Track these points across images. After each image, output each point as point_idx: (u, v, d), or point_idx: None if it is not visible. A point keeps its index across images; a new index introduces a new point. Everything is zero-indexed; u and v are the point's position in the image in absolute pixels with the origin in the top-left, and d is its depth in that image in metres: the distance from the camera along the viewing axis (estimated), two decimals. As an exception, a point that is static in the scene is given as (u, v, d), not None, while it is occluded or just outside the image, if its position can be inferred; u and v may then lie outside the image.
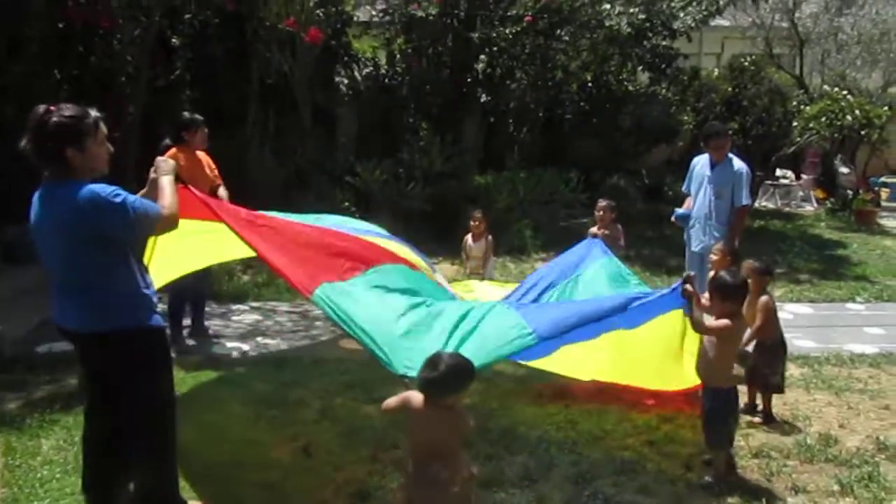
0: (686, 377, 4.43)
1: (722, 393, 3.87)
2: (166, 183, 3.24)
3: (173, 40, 9.63)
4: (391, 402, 3.08)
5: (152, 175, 3.34)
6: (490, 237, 6.89)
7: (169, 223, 3.14)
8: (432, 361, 2.94)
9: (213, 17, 9.72)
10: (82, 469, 3.36)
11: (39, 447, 4.14)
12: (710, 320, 3.88)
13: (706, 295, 4.12)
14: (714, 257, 5.22)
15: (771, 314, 4.64)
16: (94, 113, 3.02)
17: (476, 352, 3.29)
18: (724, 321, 3.81)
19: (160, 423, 3.21)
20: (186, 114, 5.99)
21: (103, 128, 3.06)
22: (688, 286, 3.86)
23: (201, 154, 5.86)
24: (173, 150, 5.56)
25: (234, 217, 3.92)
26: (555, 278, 5.28)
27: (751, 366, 4.59)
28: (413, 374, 3.11)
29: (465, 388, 2.96)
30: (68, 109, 2.94)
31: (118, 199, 2.90)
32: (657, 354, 4.51)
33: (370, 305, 3.70)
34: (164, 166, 3.34)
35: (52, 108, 2.92)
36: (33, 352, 5.72)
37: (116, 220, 2.92)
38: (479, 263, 6.82)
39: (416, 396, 3.01)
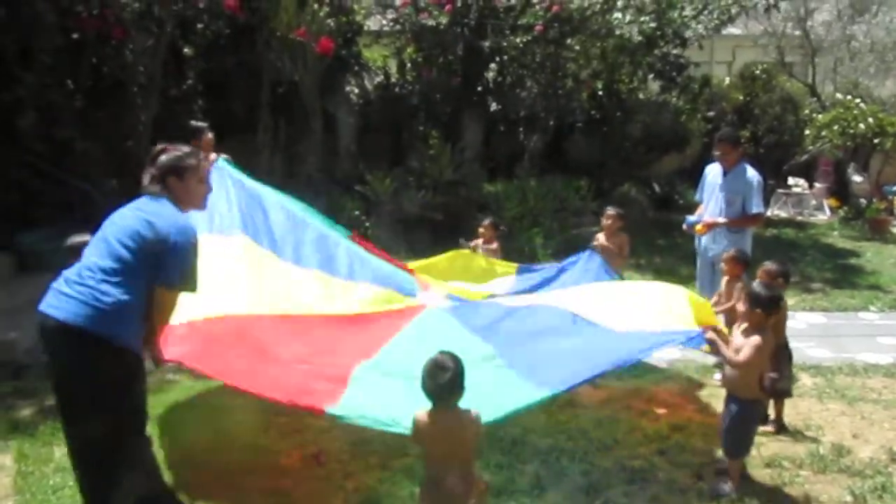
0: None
1: (746, 404, 3.85)
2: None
3: (185, 51, 9.71)
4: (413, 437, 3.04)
5: None
6: (496, 244, 6.88)
7: (171, 309, 3.25)
8: (438, 367, 2.92)
9: (224, 27, 9.80)
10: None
11: (52, 454, 4.17)
12: (743, 349, 3.78)
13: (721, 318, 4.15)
14: (724, 266, 5.24)
15: (781, 316, 4.61)
16: (200, 156, 3.47)
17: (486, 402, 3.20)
18: (755, 340, 3.75)
19: (126, 431, 3.14)
20: (192, 122, 6.37)
21: (203, 168, 3.43)
22: (711, 335, 3.84)
23: (214, 157, 5.96)
24: None
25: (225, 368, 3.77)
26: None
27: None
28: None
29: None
30: (178, 149, 3.39)
31: (193, 246, 3.18)
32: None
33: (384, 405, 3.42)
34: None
35: (167, 147, 3.38)
36: (46, 360, 5.75)
37: (175, 260, 3.11)
38: None
39: (420, 416, 2.99)
